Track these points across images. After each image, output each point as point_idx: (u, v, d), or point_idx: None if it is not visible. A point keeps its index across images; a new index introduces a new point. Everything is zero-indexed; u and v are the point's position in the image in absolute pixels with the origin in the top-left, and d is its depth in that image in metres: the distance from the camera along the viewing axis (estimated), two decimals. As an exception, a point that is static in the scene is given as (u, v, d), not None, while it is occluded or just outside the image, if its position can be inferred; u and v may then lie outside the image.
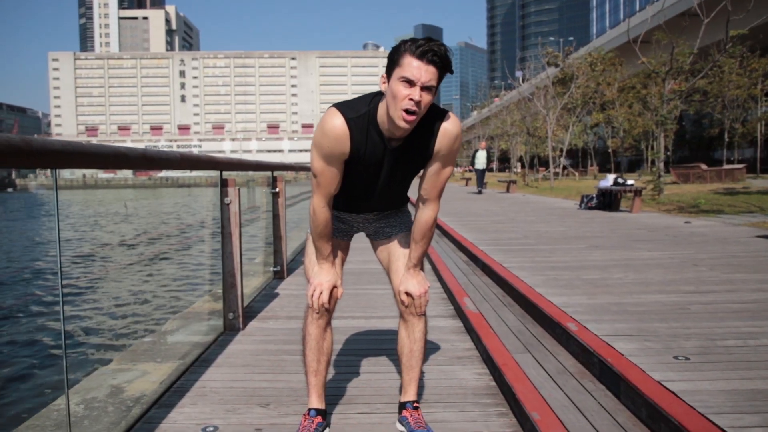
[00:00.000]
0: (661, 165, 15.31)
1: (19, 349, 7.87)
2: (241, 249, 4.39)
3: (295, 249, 8.16)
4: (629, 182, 12.65)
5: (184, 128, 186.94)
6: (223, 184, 4.31)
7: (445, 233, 9.35)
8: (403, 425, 2.59)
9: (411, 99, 2.05)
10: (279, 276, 6.46)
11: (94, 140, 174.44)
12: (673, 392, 2.44)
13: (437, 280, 5.95)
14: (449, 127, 2.26)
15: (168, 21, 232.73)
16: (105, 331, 8.62)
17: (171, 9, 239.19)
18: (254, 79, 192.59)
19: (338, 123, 2.19)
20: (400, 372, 2.71)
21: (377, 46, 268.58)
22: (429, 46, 2.03)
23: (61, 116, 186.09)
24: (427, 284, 2.54)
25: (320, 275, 2.53)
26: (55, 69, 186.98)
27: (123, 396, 3.56)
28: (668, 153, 44.27)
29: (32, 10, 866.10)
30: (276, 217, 6.50)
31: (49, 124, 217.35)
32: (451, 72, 2.14)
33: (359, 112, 2.21)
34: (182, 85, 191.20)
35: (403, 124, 2.10)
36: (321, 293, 2.49)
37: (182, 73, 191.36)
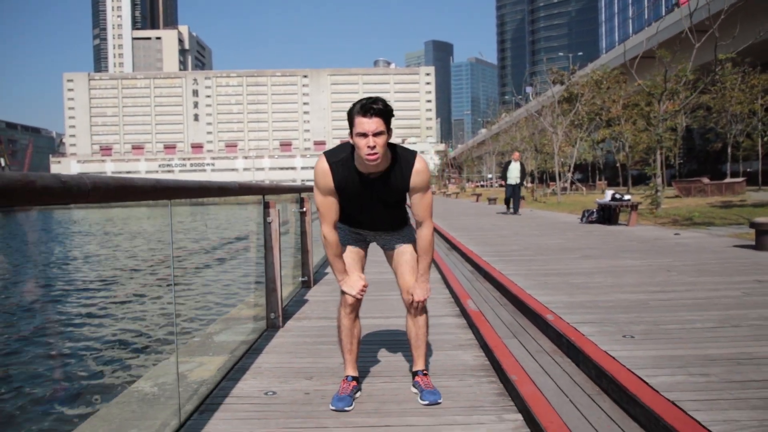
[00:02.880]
0: (659, 180, 16.15)
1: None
2: (281, 259, 5.29)
3: (318, 263, 9.03)
4: (626, 197, 13.50)
5: (197, 147, 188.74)
6: (266, 206, 5.21)
7: (454, 247, 10.23)
8: (416, 388, 3.44)
9: (368, 146, 2.86)
10: (306, 285, 7.34)
11: (108, 159, 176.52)
12: (613, 357, 3.32)
13: (446, 287, 6.83)
14: (417, 166, 3.09)
15: (181, 41, 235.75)
16: (160, 330, 9.74)
17: (184, 29, 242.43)
18: (266, 98, 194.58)
19: (322, 165, 3.08)
20: (410, 352, 3.58)
21: (388, 63, 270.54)
22: (368, 105, 2.86)
23: (76, 136, 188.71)
24: (429, 293, 3.38)
25: (348, 286, 3.29)
26: (70, 90, 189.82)
27: (188, 380, 4.40)
28: (674, 167, 44.98)
29: (47, 32, 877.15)
30: (303, 233, 7.40)
31: (60, 144, 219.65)
32: (391, 115, 2.94)
33: (338, 157, 3.08)
34: (195, 104, 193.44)
35: (370, 164, 2.92)
36: (360, 290, 3.29)
37: (195, 92, 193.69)
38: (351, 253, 3.40)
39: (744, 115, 33.78)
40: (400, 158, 3.07)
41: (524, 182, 19.04)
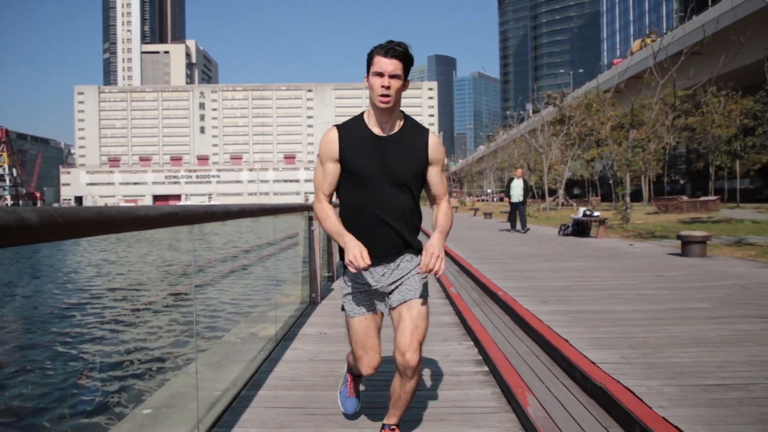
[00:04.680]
0: (627, 198, 18.50)
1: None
2: (320, 256, 7.59)
3: (339, 262, 11.30)
4: (596, 213, 15.80)
5: (203, 159, 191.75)
6: (310, 219, 7.54)
7: (447, 254, 12.52)
8: None
9: (382, 86, 2.73)
10: (330, 279, 9.64)
11: (116, 170, 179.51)
12: (529, 310, 5.63)
13: (437, 280, 9.13)
14: (434, 138, 2.94)
15: (188, 55, 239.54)
16: (228, 308, 12.49)
17: (191, 43, 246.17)
18: (271, 111, 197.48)
19: (331, 131, 2.95)
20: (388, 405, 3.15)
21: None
22: (390, 45, 2.72)
23: (85, 147, 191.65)
24: (441, 252, 2.81)
25: (351, 247, 2.76)
26: (80, 102, 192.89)
27: (258, 336, 6.69)
28: (662, 184, 47.10)
29: (58, 45, 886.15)
30: (329, 241, 9.70)
31: (69, 155, 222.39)
32: (411, 62, 2.80)
33: (347, 122, 2.97)
34: (201, 117, 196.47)
35: (381, 105, 2.77)
36: (360, 256, 2.71)
37: (202, 105, 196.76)
38: (365, 320, 3.05)
39: (724, 138, 36.02)
40: (414, 124, 2.98)
41: (527, 199, 18.81)
